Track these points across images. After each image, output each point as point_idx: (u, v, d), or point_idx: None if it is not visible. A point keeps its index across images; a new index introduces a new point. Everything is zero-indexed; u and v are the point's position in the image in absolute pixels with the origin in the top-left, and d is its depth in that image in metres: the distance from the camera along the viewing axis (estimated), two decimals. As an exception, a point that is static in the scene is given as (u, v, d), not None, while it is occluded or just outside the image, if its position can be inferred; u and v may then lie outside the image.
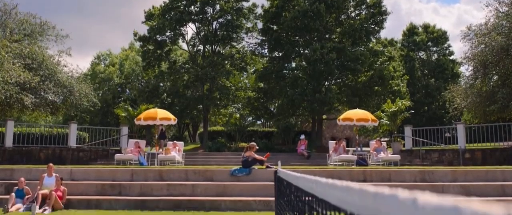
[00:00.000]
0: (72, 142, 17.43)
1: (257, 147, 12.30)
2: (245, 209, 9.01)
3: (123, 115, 20.00)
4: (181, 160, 15.10)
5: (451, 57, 39.29)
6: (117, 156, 15.05)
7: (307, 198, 1.72)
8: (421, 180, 10.50)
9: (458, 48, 51.52)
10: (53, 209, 9.15)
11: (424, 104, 34.60)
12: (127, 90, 41.36)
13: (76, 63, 54.97)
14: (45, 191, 9.47)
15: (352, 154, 15.34)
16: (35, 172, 10.94)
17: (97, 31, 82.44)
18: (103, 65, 44.85)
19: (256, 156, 11.52)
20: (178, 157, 14.90)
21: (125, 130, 18.67)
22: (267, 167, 11.40)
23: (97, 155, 17.74)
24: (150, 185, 10.40)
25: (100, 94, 36.91)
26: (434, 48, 39.81)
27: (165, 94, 31.14)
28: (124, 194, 10.12)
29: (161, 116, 16.03)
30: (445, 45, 39.79)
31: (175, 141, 16.44)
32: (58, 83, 19.62)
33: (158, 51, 27.63)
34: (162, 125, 19.91)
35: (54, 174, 10.10)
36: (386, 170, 11.65)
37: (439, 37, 39.40)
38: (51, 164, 10.42)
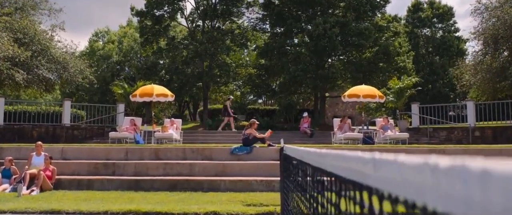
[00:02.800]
0: (66, 120, 16.82)
1: (258, 123, 11.77)
2: (246, 190, 8.43)
3: (120, 92, 19.33)
4: (179, 138, 14.50)
5: (457, 34, 38.34)
6: (112, 134, 14.49)
7: (341, 185, 1.07)
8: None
9: (463, 25, 50.49)
10: (42, 190, 8.60)
11: (428, 82, 33.85)
12: (126, 68, 40.62)
13: (77, 42, 53.59)
14: (33, 171, 8.92)
15: (358, 132, 14.74)
16: (25, 151, 10.43)
17: (96, 9, 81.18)
18: (101, 43, 44.01)
19: (258, 134, 11.07)
20: (176, 135, 14.31)
21: (121, 107, 18.04)
22: (269, 145, 10.90)
23: (93, 133, 17.14)
24: (146, 164, 9.86)
25: (98, 72, 36.16)
26: (439, 25, 38.85)
27: (164, 71, 30.37)
28: (117, 174, 9.61)
29: (158, 92, 15.40)
30: (451, 21, 38.82)
31: (172, 118, 15.83)
32: (51, 59, 18.82)
33: (156, 27, 26.76)
34: (229, 99, 19.49)
35: (43, 153, 9.55)
36: (394, 148, 11.08)
37: (445, 14, 38.39)
38: (39, 142, 9.91)
